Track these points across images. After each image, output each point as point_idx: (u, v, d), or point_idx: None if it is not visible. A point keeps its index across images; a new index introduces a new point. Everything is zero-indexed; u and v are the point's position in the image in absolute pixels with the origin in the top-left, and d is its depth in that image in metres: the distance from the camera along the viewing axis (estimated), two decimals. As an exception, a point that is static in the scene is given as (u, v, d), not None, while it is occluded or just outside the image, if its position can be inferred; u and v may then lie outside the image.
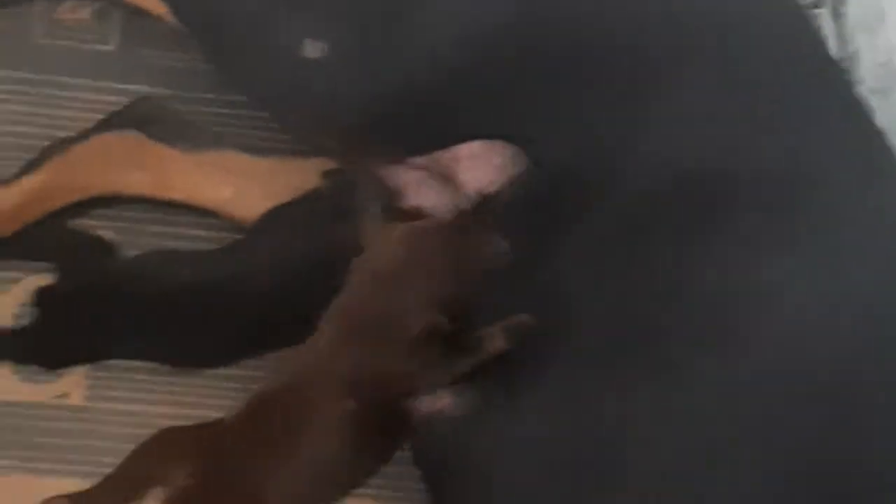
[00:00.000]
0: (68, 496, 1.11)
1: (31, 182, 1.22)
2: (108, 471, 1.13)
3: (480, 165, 1.15)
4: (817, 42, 1.18)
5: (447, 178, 1.16)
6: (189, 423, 1.18)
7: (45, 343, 1.20)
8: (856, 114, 1.13)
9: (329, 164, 1.26)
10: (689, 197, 1.05)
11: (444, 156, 1.15)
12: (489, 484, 1.06)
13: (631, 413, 1.00)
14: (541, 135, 1.10)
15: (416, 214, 1.16)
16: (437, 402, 1.10)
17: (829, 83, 1.15)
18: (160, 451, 1.12)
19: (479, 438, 1.07)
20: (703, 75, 1.09)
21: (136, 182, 1.24)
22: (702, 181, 1.06)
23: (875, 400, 0.98)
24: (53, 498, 1.10)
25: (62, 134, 1.26)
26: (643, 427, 0.99)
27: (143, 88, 1.32)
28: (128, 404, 1.21)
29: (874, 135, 1.13)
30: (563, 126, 1.10)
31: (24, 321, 1.21)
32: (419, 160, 1.16)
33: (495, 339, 1.08)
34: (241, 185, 1.24)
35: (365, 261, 1.11)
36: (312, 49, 1.13)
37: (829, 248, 1.03)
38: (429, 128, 1.14)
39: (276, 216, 1.22)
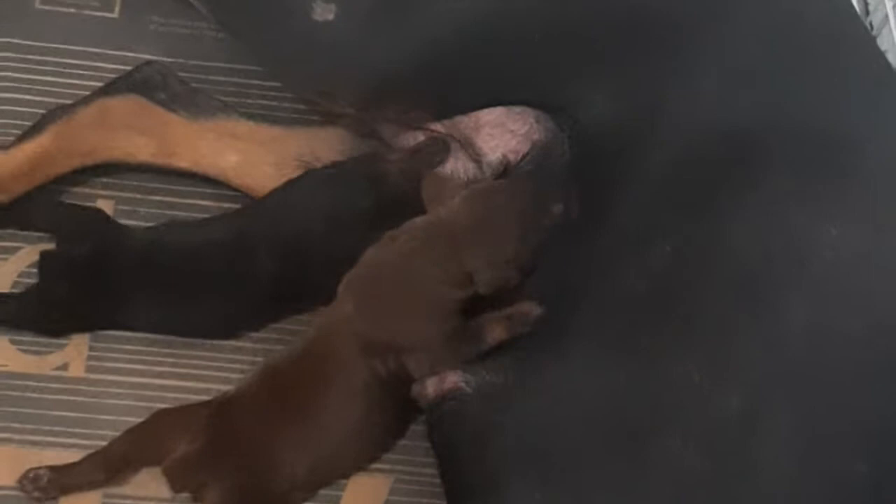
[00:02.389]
0: (51, 468, 1.10)
1: (32, 147, 1.20)
2: (108, 443, 1.12)
3: (502, 132, 1.13)
4: (850, 10, 1.17)
5: (467, 139, 1.14)
6: (192, 395, 1.17)
7: (45, 310, 1.17)
8: (889, 82, 1.13)
9: (338, 131, 1.24)
10: (728, 157, 1.04)
11: (465, 121, 1.13)
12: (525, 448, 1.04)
13: (674, 369, 0.99)
14: (574, 98, 1.09)
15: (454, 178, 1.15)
16: (443, 384, 1.09)
17: (863, 52, 1.14)
18: (155, 430, 1.11)
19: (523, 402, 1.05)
20: (743, 39, 1.08)
21: (139, 148, 1.22)
22: (740, 142, 1.04)
23: None
24: (35, 469, 1.09)
25: (63, 102, 1.24)
26: (683, 382, 0.98)
27: (147, 56, 1.29)
28: (129, 376, 1.19)
29: None
30: (598, 89, 1.09)
31: (24, 289, 1.19)
32: (439, 125, 1.15)
33: (498, 328, 1.07)
34: (247, 152, 1.22)
35: (423, 222, 1.10)
36: (323, 11, 1.11)
37: (867, 212, 1.03)
38: (450, 91, 1.12)
39: (291, 185, 1.20)
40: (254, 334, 1.21)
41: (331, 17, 1.11)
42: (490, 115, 1.13)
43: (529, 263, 1.09)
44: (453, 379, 1.09)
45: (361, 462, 1.15)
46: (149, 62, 1.26)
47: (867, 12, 1.36)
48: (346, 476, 1.15)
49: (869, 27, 1.33)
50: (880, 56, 1.16)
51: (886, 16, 1.32)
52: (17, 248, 1.21)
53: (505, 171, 1.13)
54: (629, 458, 0.98)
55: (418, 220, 1.12)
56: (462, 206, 1.10)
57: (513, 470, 1.04)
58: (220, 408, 1.11)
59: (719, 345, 0.99)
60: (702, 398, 0.98)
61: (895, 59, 1.25)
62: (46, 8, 1.32)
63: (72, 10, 1.33)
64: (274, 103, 1.29)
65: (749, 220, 1.02)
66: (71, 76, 1.29)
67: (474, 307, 1.10)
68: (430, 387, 1.10)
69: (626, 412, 1.00)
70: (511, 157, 1.13)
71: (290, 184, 1.20)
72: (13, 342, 1.18)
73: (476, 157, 1.16)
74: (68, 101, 1.23)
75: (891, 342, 0.98)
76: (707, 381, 0.98)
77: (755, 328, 0.99)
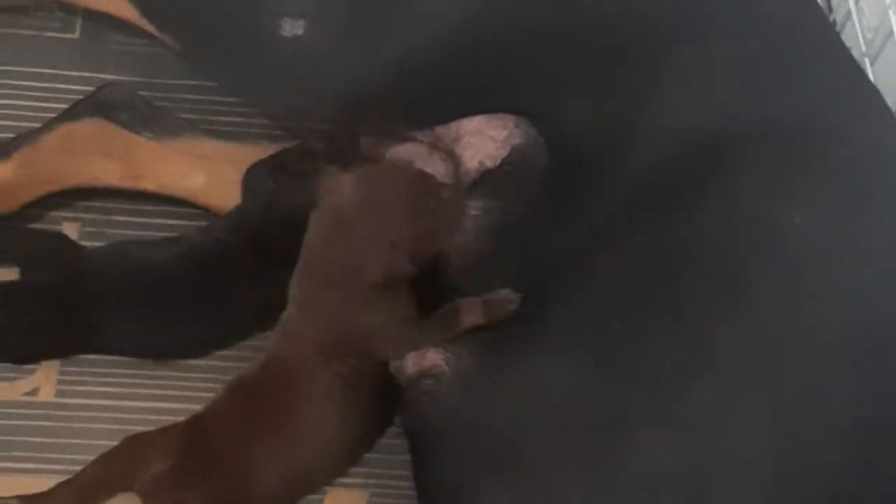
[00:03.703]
0: (21, 497, 1.08)
1: (-2, 176, 1.19)
2: (80, 468, 1.11)
3: (482, 139, 1.13)
4: (815, 7, 1.17)
5: (449, 150, 1.14)
6: (164, 416, 1.16)
7: (11, 338, 1.16)
8: (854, 76, 1.14)
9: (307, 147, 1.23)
10: (700, 154, 1.05)
11: (446, 131, 1.13)
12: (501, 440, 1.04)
13: (648, 361, 0.99)
14: (553, 104, 1.09)
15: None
16: (423, 361, 1.09)
17: (829, 47, 1.15)
18: (127, 455, 1.10)
19: (494, 395, 1.05)
20: (716, 38, 1.09)
21: (105, 173, 1.21)
22: (713, 138, 1.05)
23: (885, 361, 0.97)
24: (5, 498, 1.08)
25: (26, 125, 1.23)
26: (657, 374, 0.99)
27: (109, 76, 1.28)
28: (100, 399, 1.18)
29: (872, 91, 1.13)
30: (576, 94, 1.09)
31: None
32: (420, 136, 1.14)
33: (472, 312, 1.07)
34: (214, 171, 1.22)
35: (319, 212, 1.09)
36: (292, 27, 1.10)
37: (838, 202, 1.03)
38: (427, 103, 1.11)
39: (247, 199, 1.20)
40: (227, 353, 1.21)
41: (300, 32, 1.10)
42: (469, 125, 1.13)
43: (425, 251, 1.08)
44: (434, 356, 1.09)
45: (337, 470, 1.14)
46: (111, 83, 1.25)
47: (830, 9, 1.37)
48: (323, 486, 1.15)
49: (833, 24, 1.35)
50: (844, 50, 1.17)
51: (849, 11, 1.33)
52: (-19, 276, 1.20)
53: (483, 177, 1.13)
54: (602, 453, 0.98)
55: (314, 213, 1.11)
56: (346, 189, 1.09)
57: (483, 467, 1.04)
58: (192, 425, 1.11)
59: (693, 335, 0.99)
60: (675, 389, 0.98)
61: (858, 55, 1.26)
62: (5, 30, 1.31)
63: (32, 32, 1.32)
64: (241, 119, 1.29)
65: (721, 213, 1.03)
66: (32, 98, 1.28)
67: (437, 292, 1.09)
68: (410, 362, 1.10)
69: (600, 405, 1.00)
70: (489, 162, 1.13)
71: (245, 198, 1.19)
72: (-17, 369, 1.17)
73: (458, 166, 1.16)
74: (30, 125, 1.22)
75: (865, 328, 0.98)
76: (681, 372, 0.98)
77: (728, 318, 0.99)
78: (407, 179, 1.08)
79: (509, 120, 1.12)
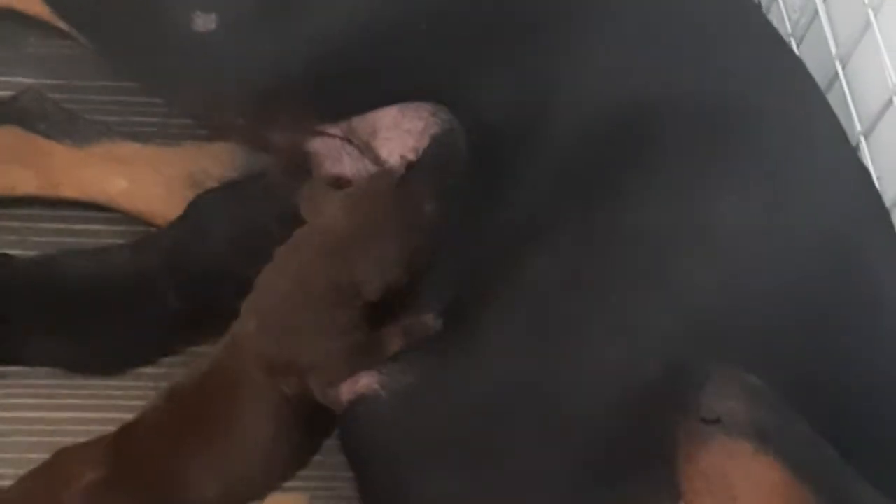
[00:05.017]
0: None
1: None
2: (10, 483, 1.09)
3: (399, 133, 1.11)
4: None
5: (366, 144, 1.13)
6: (95, 426, 1.14)
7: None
8: (780, 53, 1.13)
9: (228, 145, 1.22)
10: (624, 134, 1.04)
11: (361, 123, 1.12)
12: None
13: (589, 348, 0.99)
14: (468, 88, 1.08)
15: (340, 183, 1.13)
16: (356, 386, 1.08)
17: (753, 22, 1.15)
18: (56, 469, 1.08)
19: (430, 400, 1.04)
20: (632, 15, 1.08)
21: (23, 182, 1.19)
22: (635, 118, 1.04)
23: (818, 335, 0.98)
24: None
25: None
26: (601, 358, 0.99)
27: (23, 80, 1.26)
28: (28, 411, 1.16)
29: (799, 69, 1.13)
30: (490, 76, 1.08)
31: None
32: (335, 128, 1.13)
33: (394, 340, 1.07)
34: (135, 175, 1.20)
35: (307, 234, 1.08)
36: (204, 21, 1.09)
37: (765, 178, 1.03)
38: (341, 94, 1.11)
39: (196, 207, 1.17)
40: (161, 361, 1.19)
41: (213, 26, 1.09)
42: (385, 117, 1.12)
43: (415, 263, 1.08)
44: (366, 381, 1.08)
45: (274, 481, 1.13)
46: (25, 90, 1.22)
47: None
48: (261, 496, 1.14)
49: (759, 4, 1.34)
50: (769, 26, 1.16)
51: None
52: None
53: (407, 170, 1.12)
54: (550, 443, 0.98)
55: (302, 232, 1.09)
56: (339, 213, 1.08)
57: (430, 465, 1.03)
58: (123, 433, 1.09)
59: (633, 317, 0.99)
60: (623, 371, 0.98)
61: (784, 35, 1.26)
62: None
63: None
64: (158, 119, 1.27)
65: (648, 196, 1.03)
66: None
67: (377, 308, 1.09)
68: (344, 390, 1.09)
69: (543, 397, 1.00)
70: (410, 155, 1.12)
71: (188, 209, 1.18)
72: None
73: (376, 161, 1.15)
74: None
75: (799, 299, 0.98)
76: (626, 355, 0.98)
77: (666, 297, 0.99)
78: (397, 198, 1.07)
79: (425, 109, 1.11)
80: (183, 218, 1.17)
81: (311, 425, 1.11)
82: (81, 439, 1.11)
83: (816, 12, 1.24)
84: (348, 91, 1.11)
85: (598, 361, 0.99)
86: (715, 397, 0.87)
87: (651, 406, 0.93)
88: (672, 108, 1.05)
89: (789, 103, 1.08)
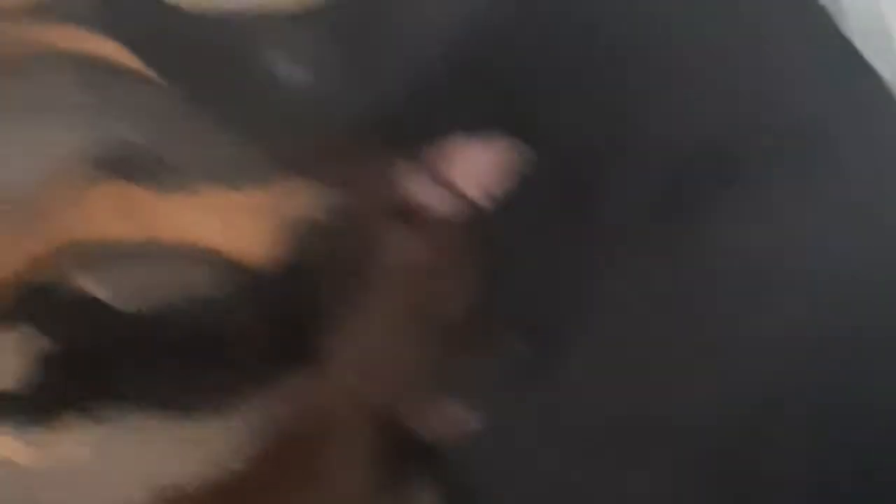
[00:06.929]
0: None
1: None
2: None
3: (477, 163, 1.15)
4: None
5: (444, 178, 1.16)
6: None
7: None
8: (855, 63, 1.14)
9: (312, 184, 1.24)
10: (700, 166, 1.05)
11: (440, 155, 1.15)
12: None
13: (665, 378, 1.00)
14: (545, 126, 1.11)
15: (414, 212, 1.16)
16: (448, 418, 1.10)
17: (826, 34, 1.15)
18: None
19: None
20: (704, 41, 1.10)
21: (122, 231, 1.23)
22: (711, 148, 1.06)
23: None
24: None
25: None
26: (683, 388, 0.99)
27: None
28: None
29: (875, 82, 1.13)
30: (567, 116, 1.10)
31: None
32: (415, 162, 1.16)
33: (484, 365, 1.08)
34: (230, 220, 1.23)
35: (393, 273, 1.11)
36: (290, 71, 1.12)
37: (838, 206, 1.04)
38: (427, 130, 1.14)
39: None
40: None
41: (300, 76, 1.12)
42: (465, 151, 1.15)
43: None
44: (456, 413, 1.10)
45: None
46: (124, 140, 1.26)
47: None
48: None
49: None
50: (843, 36, 1.16)
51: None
52: None
53: (485, 201, 1.15)
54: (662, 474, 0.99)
55: (384, 272, 1.11)
56: (420, 247, 1.11)
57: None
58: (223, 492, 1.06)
59: (710, 350, 1.00)
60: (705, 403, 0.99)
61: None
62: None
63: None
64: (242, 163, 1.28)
65: (730, 224, 1.04)
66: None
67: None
68: (434, 424, 1.11)
69: (621, 429, 1.01)
70: (492, 189, 1.15)
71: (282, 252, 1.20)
72: None
73: (451, 190, 1.18)
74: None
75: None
76: (714, 388, 0.99)
77: (755, 329, 1.00)
78: (473, 229, 1.11)
79: (503, 144, 1.14)
80: (278, 261, 1.20)
81: (398, 469, 1.11)
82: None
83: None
84: (430, 124, 1.14)
85: (679, 391, 1.00)
86: None
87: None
88: (756, 132, 1.06)
89: (867, 127, 1.10)
